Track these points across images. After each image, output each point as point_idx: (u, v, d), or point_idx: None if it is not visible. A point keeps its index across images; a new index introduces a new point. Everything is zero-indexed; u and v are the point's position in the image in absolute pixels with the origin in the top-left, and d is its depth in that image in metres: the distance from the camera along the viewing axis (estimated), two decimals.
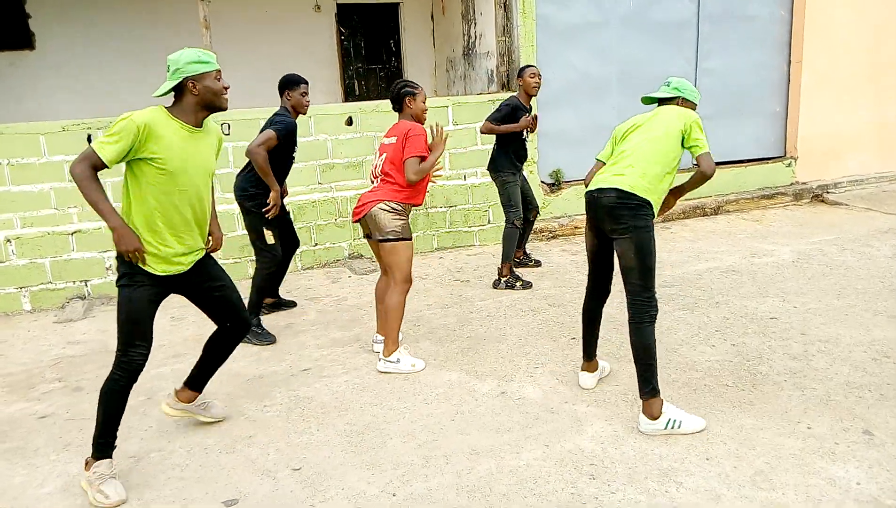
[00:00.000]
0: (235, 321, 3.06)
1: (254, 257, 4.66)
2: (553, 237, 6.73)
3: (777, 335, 4.10)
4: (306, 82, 4.49)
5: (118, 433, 2.85)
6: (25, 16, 7.88)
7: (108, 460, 2.79)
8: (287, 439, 3.15)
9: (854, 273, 5.18)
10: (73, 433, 3.30)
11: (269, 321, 4.77)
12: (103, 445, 2.79)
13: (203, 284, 2.96)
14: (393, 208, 3.71)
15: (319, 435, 3.17)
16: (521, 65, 5.56)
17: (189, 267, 2.87)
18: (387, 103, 6.31)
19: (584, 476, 2.75)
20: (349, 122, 6.08)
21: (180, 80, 2.67)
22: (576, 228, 6.77)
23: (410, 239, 3.79)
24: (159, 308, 2.87)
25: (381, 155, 3.82)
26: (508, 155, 5.22)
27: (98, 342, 4.54)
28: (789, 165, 7.95)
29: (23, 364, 4.24)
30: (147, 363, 3.99)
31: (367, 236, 3.91)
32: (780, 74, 7.86)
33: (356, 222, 3.85)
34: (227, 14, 8.31)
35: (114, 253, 4.92)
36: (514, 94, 5.37)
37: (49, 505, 2.73)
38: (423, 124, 3.81)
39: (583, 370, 3.53)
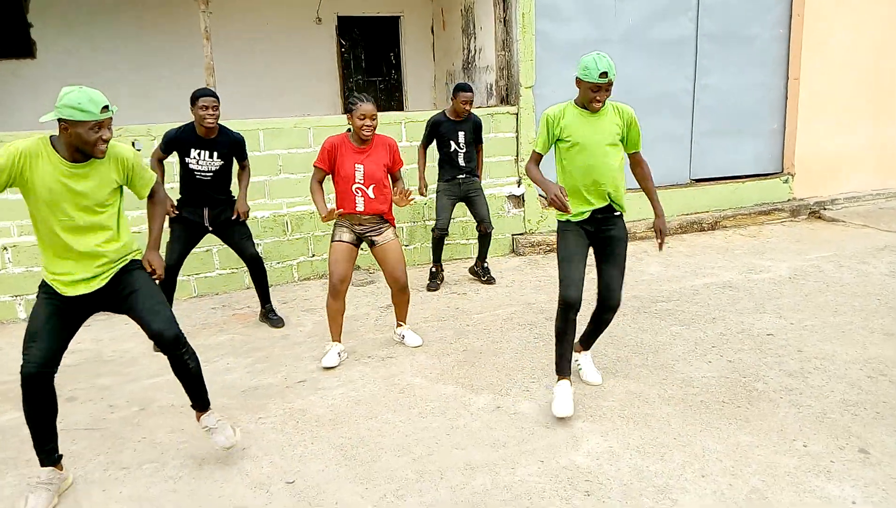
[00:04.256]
0: (151, 336, 2.93)
1: (247, 268, 4.85)
2: (550, 251, 6.73)
3: (773, 351, 4.10)
4: (209, 95, 4.38)
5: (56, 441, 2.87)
6: (27, 25, 7.92)
7: (48, 468, 2.82)
8: (281, 451, 3.14)
9: (850, 290, 5.18)
10: (66, 443, 3.27)
11: (263, 331, 4.76)
12: (37, 450, 2.84)
13: (118, 297, 2.88)
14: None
15: (314, 448, 3.16)
16: (458, 83, 5.77)
17: (97, 287, 2.81)
18: (384, 115, 6.35)
19: (580, 492, 2.74)
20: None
21: (57, 118, 2.62)
22: None
23: (333, 241, 4.07)
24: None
25: None
26: (443, 167, 5.61)
27: (92, 352, 4.52)
28: (786, 181, 7.98)
29: (17, 373, 4.20)
30: (141, 374, 3.99)
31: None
32: (779, 91, 7.91)
33: None
34: (228, 26, 8.35)
35: None
36: (446, 109, 5.64)
37: None
38: (362, 138, 3.95)
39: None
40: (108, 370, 4.16)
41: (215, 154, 4.49)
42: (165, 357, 3.11)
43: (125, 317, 2.95)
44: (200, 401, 3.10)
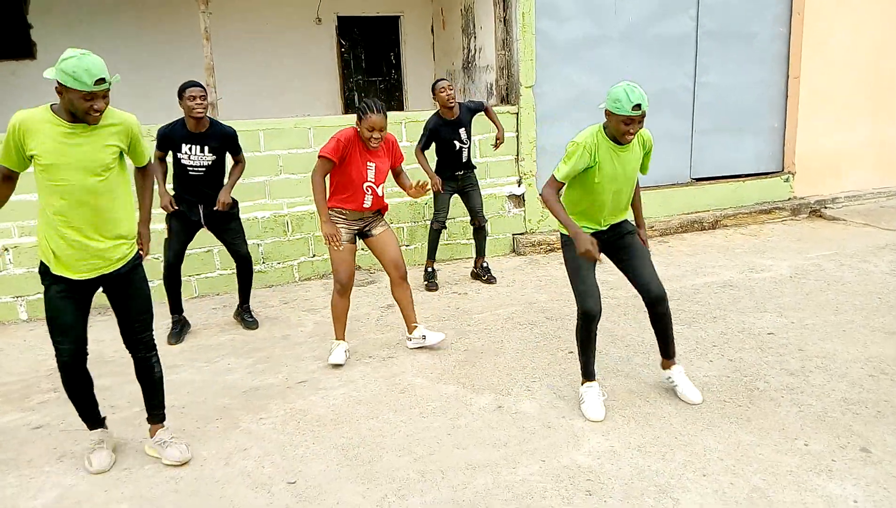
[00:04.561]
0: (127, 335, 3.07)
1: (235, 266, 4.86)
2: (551, 250, 6.73)
3: (774, 350, 4.09)
4: (195, 86, 4.38)
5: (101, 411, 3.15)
6: (27, 26, 7.93)
7: (99, 430, 3.10)
8: (282, 452, 3.14)
9: (851, 289, 5.18)
10: (68, 444, 3.29)
11: (264, 332, 4.76)
12: (84, 419, 3.13)
13: (114, 286, 2.98)
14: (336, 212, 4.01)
15: (315, 448, 3.16)
16: (435, 79, 5.76)
17: (102, 273, 2.87)
18: (388, 115, 6.35)
19: (581, 491, 2.74)
20: None
21: (55, 78, 2.63)
22: None
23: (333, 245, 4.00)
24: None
25: None
26: (442, 164, 5.60)
27: (93, 353, 4.45)
28: (787, 180, 7.97)
29: (18, 374, 4.22)
30: None
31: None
32: (779, 89, 7.90)
33: None
34: (228, 26, 8.35)
35: None
36: (435, 111, 5.57)
37: None
38: (369, 146, 3.89)
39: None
40: (109, 370, 4.16)
41: (206, 148, 4.48)
42: (166, 359, 3.14)
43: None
44: (158, 412, 3.19)
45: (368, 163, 3.94)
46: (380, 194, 4.04)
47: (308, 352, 4.36)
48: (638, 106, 3.03)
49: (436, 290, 5.63)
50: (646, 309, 3.46)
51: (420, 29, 9.51)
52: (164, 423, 3.20)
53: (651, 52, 7.24)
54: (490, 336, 4.52)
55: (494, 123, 5.74)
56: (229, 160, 4.72)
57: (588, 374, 3.46)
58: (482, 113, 5.72)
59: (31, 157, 2.72)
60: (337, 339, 4.19)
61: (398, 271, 4.16)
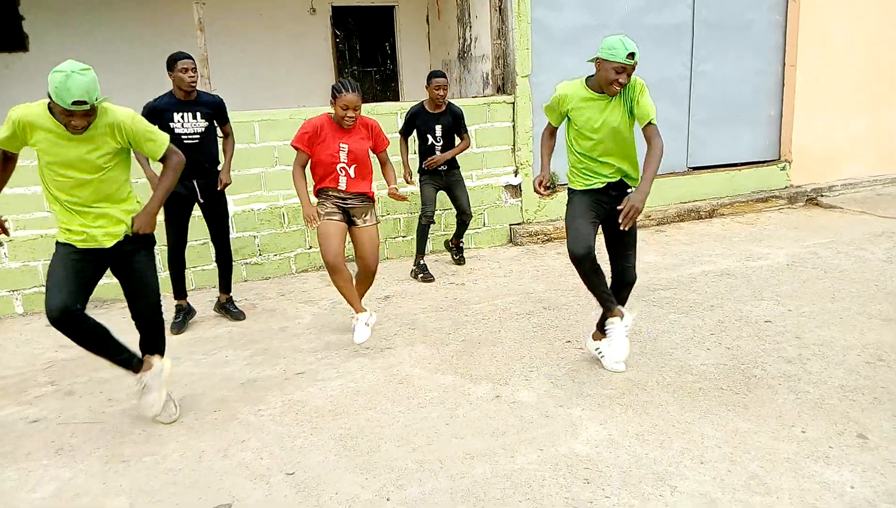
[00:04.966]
0: (136, 310, 3.20)
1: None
2: (548, 240, 6.73)
3: (771, 338, 4.10)
4: (186, 57, 4.41)
5: (124, 350, 3.22)
6: (19, 18, 7.86)
7: (136, 373, 3.23)
8: (281, 443, 3.14)
9: (848, 277, 5.19)
10: (65, 437, 3.28)
11: (261, 324, 4.76)
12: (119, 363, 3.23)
13: (122, 264, 3.12)
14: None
15: (313, 439, 3.16)
16: (432, 71, 5.82)
17: (104, 245, 3.02)
18: (380, 106, 6.33)
19: (579, 480, 2.74)
20: None
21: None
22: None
23: (321, 218, 4.04)
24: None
25: None
26: (424, 159, 5.69)
27: None
28: (784, 168, 7.97)
29: (15, 368, 4.21)
30: None
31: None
32: (775, 78, 7.89)
33: None
34: (221, 17, 8.29)
35: None
36: (423, 100, 5.70)
37: None
38: (343, 124, 3.95)
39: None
40: (107, 363, 4.14)
41: (198, 114, 4.49)
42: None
43: (125, 311, 3.04)
44: (151, 347, 3.32)
45: (341, 144, 3.97)
46: (353, 175, 4.02)
47: (306, 344, 4.36)
48: (632, 55, 3.13)
49: (433, 281, 5.63)
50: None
51: (415, 19, 9.46)
52: (156, 360, 3.30)
53: (647, 42, 7.20)
54: (487, 326, 4.52)
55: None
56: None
57: (608, 307, 3.56)
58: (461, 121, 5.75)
59: (30, 147, 2.88)
60: (357, 312, 4.08)
61: (367, 270, 4.23)
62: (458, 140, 5.76)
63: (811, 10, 7.64)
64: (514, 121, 6.69)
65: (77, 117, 2.75)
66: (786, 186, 8.01)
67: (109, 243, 3.03)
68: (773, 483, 2.66)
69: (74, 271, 2.97)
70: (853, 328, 4.20)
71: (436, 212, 5.84)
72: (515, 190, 6.82)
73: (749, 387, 3.48)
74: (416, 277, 5.72)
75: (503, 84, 6.89)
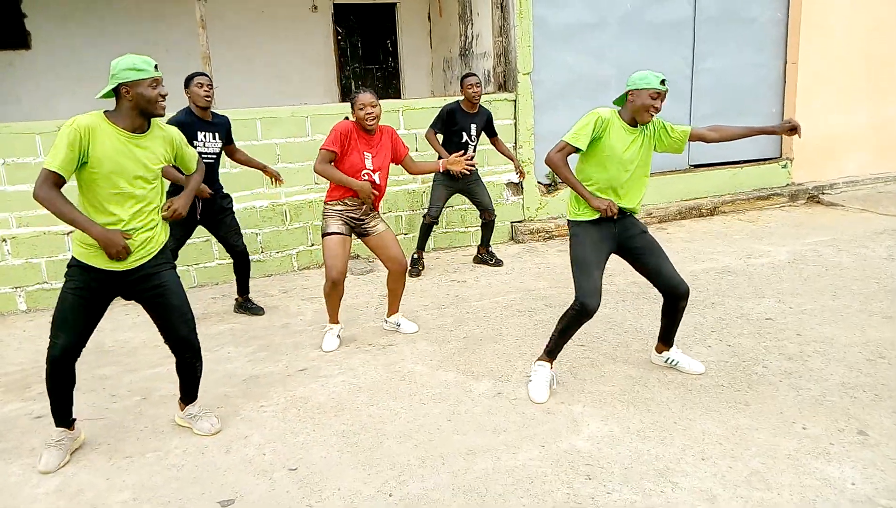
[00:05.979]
0: (172, 340, 3.09)
1: (233, 261, 4.86)
2: (550, 238, 6.74)
3: (772, 335, 4.11)
4: (203, 75, 4.50)
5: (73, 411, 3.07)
6: (21, 15, 7.86)
7: (61, 429, 3.03)
8: (283, 439, 3.15)
9: (849, 274, 5.19)
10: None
11: (264, 320, 4.77)
12: (54, 415, 3.03)
13: (146, 292, 2.99)
14: (325, 205, 4.10)
15: (315, 435, 3.17)
16: (465, 72, 5.78)
17: (130, 267, 2.90)
18: (383, 103, 6.32)
19: (580, 476, 2.75)
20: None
21: (115, 85, 2.77)
22: None
23: (326, 233, 4.03)
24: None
25: None
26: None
27: (92, 342, 4.47)
28: (785, 166, 7.97)
29: (18, 364, 4.23)
30: (141, 364, 4.01)
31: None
32: (777, 74, 7.88)
33: None
34: (224, 14, 8.30)
35: None
36: (458, 99, 5.64)
37: (45, 506, 2.73)
38: (367, 128, 3.98)
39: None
40: (109, 360, 4.17)
41: (217, 135, 4.58)
42: (167, 348, 3.15)
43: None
44: (192, 397, 3.30)
45: (366, 153, 4.01)
46: (377, 181, 4.05)
47: (308, 340, 4.37)
48: (663, 81, 3.23)
49: (416, 276, 5.68)
50: (671, 298, 3.46)
51: (416, 16, 9.46)
52: (195, 400, 3.32)
53: (649, 38, 7.21)
54: (489, 323, 4.53)
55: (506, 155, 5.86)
56: None
57: (551, 353, 3.51)
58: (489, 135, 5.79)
59: (84, 163, 2.73)
60: (330, 322, 4.25)
61: (400, 267, 4.19)
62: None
63: (813, 5, 7.63)
64: (515, 118, 6.69)
65: (161, 85, 2.82)
66: (787, 184, 8.01)
67: (136, 263, 2.91)
68: (774, 480, 2.67)
69: (87, 312, 2.90)
70: (854, 325, 4.21)
71: (440, 214, 5.80)
72: (517, 188, 6.82)
73: (750, 384, 3.49)
74: (412, 266, 5.76)
75: (504, 82, 6.89)
